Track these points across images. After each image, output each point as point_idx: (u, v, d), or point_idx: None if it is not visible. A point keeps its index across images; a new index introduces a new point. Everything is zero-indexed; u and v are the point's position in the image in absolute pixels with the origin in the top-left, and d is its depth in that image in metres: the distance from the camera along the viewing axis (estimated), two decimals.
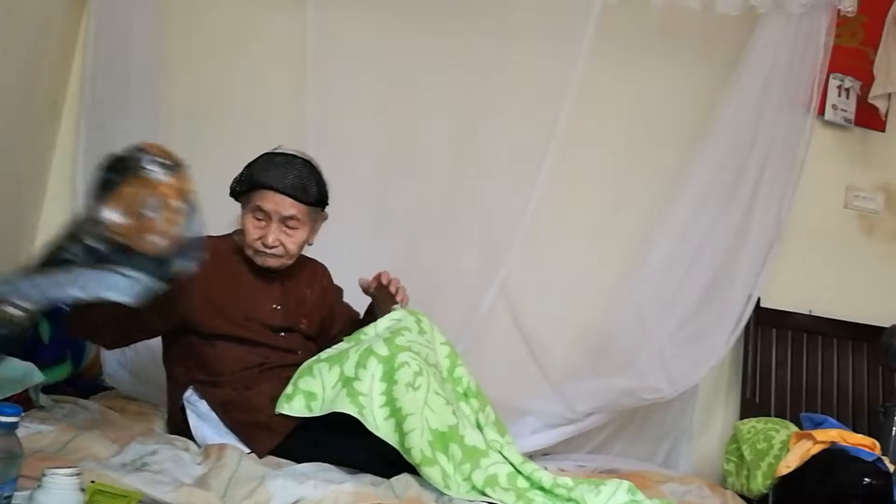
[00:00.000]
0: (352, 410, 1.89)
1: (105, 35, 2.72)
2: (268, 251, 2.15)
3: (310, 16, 2.76)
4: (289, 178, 2.13)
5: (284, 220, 2.14)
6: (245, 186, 2.15)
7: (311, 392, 1.98)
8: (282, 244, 2.15)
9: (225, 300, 2.13)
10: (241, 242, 2.20)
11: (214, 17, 2.90)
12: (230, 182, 2.21)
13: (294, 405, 1.99)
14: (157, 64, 2.75)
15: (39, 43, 2.61)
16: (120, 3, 2.71)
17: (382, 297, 2.22)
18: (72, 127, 2.77)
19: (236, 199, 2.19)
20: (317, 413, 1.97)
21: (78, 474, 1.40)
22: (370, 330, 2.08)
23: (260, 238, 2.14)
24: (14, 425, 1.41)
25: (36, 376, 2.02)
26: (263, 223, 2.13)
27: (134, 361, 2.55)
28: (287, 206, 2.12)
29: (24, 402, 1.99)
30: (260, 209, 2.13)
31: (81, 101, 2.74)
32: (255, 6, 2.91)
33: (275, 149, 2.21)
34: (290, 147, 2.23)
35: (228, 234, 2.26)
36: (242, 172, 2.18)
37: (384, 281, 2.18)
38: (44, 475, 1.38)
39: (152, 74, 2.74)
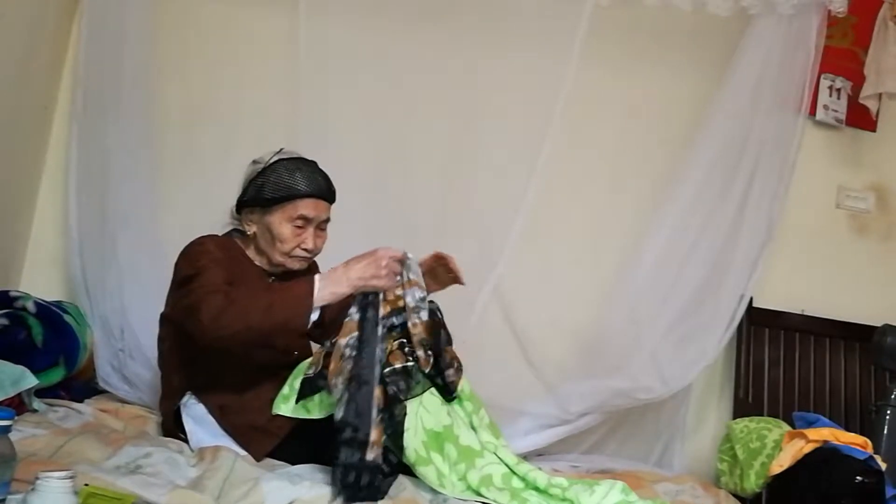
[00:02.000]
0: None
1: (96, 39, 2.70)
2: (309, 255, 2.18)
3: (302, 17, 2.75)
4: (322, 183, 2.17)
5: (320, 224, 2.18)
6: (280, 196, 2.12)
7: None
8: (316, 246, 2.19)
9: None
10: (244, 245, 2.21)
11: (206, 19, 2.89)
12: (224, 182, 2.21)
13: (290, 406, 1.99)
14: (149, 67, 2.74)
15: (30, 47, 2.60)
16: (111, 6, 2.69)
17: (438, 273, 2.18)
18: (63, 132, 2.76)
19: (261, 208, 2.15)
20: (314, 416, 1.97)
21: (71, 477, 1.41)
22: None
23: (300, 244, 2.15)
24: (7, 429, 1.41)
25: (29, 380, 2.01)
26: (302, 229, 2.15)
27: (127, 365, 2.55)
28: (325, 209, 2.18)
29: (17, 405, 1.99)
30: (303, 217, 2.13)
31: (72, 105, 2.72)
32: (247, 8, 2.90)
33: (278, 152, 2.20)
34: (289, 150, 2.23)
35: (228, 235, 2.25)
36: (266, 183, 2.13)
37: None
38: (37, 479, 1.38)
39: (144, 78, 2.73)
